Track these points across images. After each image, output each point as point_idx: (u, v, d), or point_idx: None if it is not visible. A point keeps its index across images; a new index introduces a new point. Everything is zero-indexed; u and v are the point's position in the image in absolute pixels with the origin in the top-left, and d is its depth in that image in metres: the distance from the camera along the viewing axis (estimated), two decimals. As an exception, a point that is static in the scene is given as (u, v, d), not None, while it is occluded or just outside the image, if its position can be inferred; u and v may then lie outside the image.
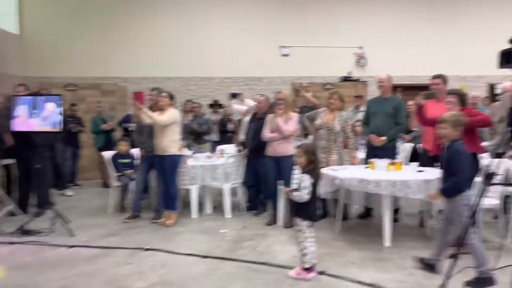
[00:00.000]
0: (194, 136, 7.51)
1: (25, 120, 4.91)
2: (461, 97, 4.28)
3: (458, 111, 3.90)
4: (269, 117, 5.29)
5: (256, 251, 4.32)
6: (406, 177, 4.26)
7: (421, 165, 4.94)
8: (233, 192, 6.15)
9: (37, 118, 4.84)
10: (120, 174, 6.05)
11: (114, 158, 6.14)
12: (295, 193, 3.45)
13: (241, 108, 6.26)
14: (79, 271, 3.75)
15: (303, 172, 3.48)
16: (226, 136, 8.25)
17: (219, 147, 6.94)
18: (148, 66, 10.61)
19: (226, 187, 5.74)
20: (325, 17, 10.82)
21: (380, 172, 4.56)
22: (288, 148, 5.09)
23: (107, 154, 6.19)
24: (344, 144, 5.44)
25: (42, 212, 5.11)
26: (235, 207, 5.97)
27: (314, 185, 3.48)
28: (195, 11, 10.76)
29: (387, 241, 4.37)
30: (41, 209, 5.18)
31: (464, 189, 3.28)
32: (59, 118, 4.74)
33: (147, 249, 4.33)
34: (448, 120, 3.32)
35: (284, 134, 5.14)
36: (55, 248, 4.42)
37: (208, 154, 6.14)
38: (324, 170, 4.81)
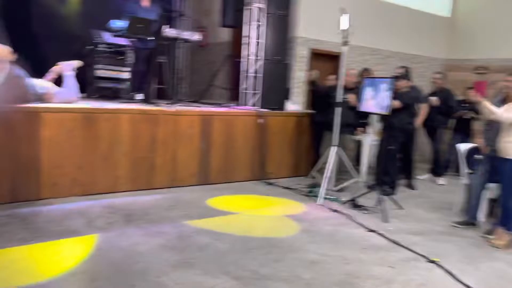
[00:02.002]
0: None
1: (369, 101, 5.15)
2: None
3: None
4: None
5: None
6: None
7: None
8: None
9: (374, 100, 4.97)
10: (471, 172, 5.23)
11: (471, 153, 5.34)
12: None
13: None
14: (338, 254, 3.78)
15: None
16: None
17: None
18: None
19: None
20: None
21: None
22: None
23: (463, 147, 5.46)
24: None
25: (374, 190, 5.29)
26: None
27: None
28: None
29: None
30: (375, 187, 5.36)
31: None
32: (387, 102, 4.66)
33: (431, 261, 3.71)
34: None
35: None
36: (357, 227, 4.56)
37: None
38: None
